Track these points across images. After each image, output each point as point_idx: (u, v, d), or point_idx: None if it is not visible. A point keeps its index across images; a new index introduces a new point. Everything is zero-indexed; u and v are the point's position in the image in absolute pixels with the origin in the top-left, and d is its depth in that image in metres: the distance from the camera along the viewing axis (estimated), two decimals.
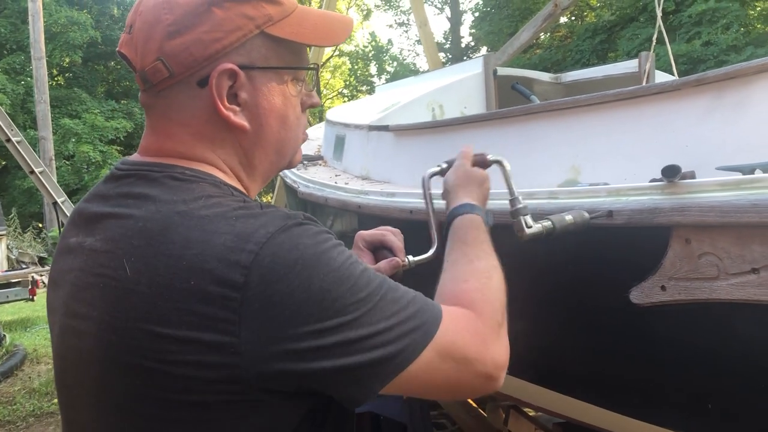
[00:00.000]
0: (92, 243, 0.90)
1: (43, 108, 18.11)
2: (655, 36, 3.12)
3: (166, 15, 0.90)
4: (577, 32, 22.54)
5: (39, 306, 9.59)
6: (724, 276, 1.15)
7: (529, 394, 2.03)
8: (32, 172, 8.92)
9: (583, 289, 1.46)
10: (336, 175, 3.48)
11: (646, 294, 1.29)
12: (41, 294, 9.70)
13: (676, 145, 1.56)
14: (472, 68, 3.97)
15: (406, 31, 38.29)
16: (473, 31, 30.93)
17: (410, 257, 1.27)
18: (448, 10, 34.32)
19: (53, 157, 18.05)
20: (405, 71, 33.71)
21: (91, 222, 0.93)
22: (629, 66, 3.91)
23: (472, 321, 0.96)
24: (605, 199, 1.33)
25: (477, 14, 30.27)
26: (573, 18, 24.52)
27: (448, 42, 33.52)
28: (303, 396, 0.86)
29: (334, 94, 36.31)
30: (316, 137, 5.15)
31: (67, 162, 23.17)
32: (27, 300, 9.22)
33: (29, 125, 22.20)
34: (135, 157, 1.00)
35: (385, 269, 1.23)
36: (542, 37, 23.22)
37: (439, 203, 1.32)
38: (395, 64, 37.03)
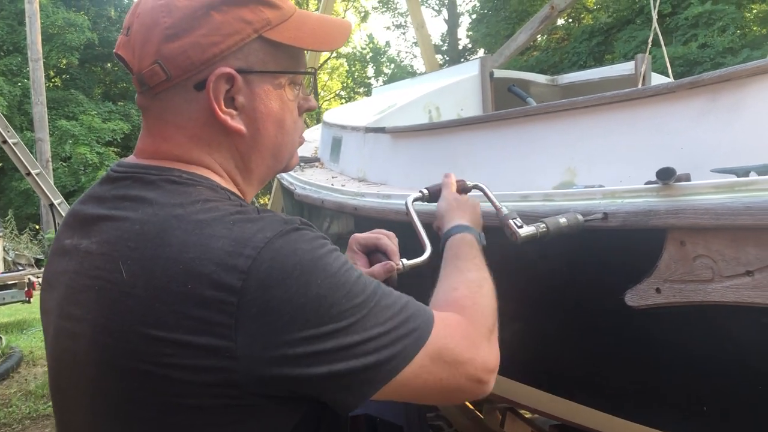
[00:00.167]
0: (88, 245, 0.90)
1: (39, 110, 18.07)
2: (650, 38, 3.13)
3: (165, 18, 0.90)
4: (574, 34, 22.57)
5: (35, 308, 9.55)
6: (718, 278, 1.16)
7: (526, 397, 2.03)
8: (29, 173, 8.91)
9: (578, 291, 1.46)
10: (333, 177, 3.47)
11: (641, 296, 1.29)
12: (38, 296, 9.69)
13: (672, 147, 1.56)
14: (469, 70, 3.97)
15: (404, 33, 38.42)
16: (470, 33, 30.99)
17: (404, 260, 1.28)
18: (445, 12, 34.36)
19: (50, 159, 18.00)
20: (402, 73, 33.73)
21: (87, 224, 0.93)
22: (625, 68, 3.91)
23: (463, 325, 0.97)
24: (600, 201, 1.33)
25: (474, 16, 30.34)
26: (570, 20, 24.57)
27: (446, 44, 33.56)
28: (298, 401, 0.86)
29: (332, 96, 36.31)
30: (313, 139, 5.15)
31: (64, 164, 23.12)
32: (23, 302, 9.19)
33: (26, 127, 22.17)
34: (131, 159, 0.99)
35: (379, 273, 1.23)
36: (539, 39, 23.23)
37: (423, 211, 1.40)
38: (392, 66, 37.05)
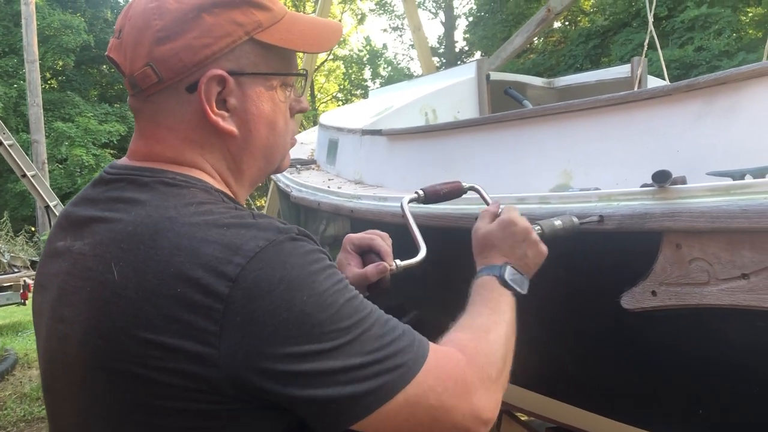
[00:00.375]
0: (80, 247, 0.89)
1: (35, 111, 18.01)
2: (646, 41, 3.13)
3: (156, 20, 0.90)
4: (571, 37, 22.62)
5: (30, 310, 9.50)
6: (714, 281, 1.16)
7: (522, 399, 2.03)
8: (24, 175, 8.90)
9: (573, 294, 1.46)
10: (329, 179, 3.47)
11: (637, 299, 1.29)
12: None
13: (667, 150, 1.56)
14: (466, 73, 3.98)
15: (401, 36, 38.37)
16: (467, 35, 31.04)
17: (398, 261, 1.28)
18: (442, 15, 34.40)
19: (46, 161, 17.93)
20: (399, 75, 33.73)
21: (79, 226, 0.92)
22: (622, 71, 3.92)
23: (459, 368, 0.93)
24: (596, 204, 1.33)
25: (471, 19, 30.37)
26: (566, 23, 24.62)
27: (442, 46, 33.58)
28: (281, 411, 0.85)
29: (329, 98, 36.33)
30: (309, 141, 5.15)
31: (60, 165, 23.07)
32: (18, 304, 9.16)
33: (22, 128, 22.11)
34: (124, 161, 0.99)
35: (372, 273, 1.23)
36: (535, 41, 23.27)
37: (418, 213, 1.35)
38: (389, 68, 37.09)
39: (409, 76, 30.55)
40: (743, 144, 1.43)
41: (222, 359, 0.77)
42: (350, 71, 37.32)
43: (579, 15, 24.19)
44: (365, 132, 3.25)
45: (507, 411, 2.74)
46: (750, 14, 18.78)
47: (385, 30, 47.77)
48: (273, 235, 0.84)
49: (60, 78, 27.18)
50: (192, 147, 0.95)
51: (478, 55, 28.05)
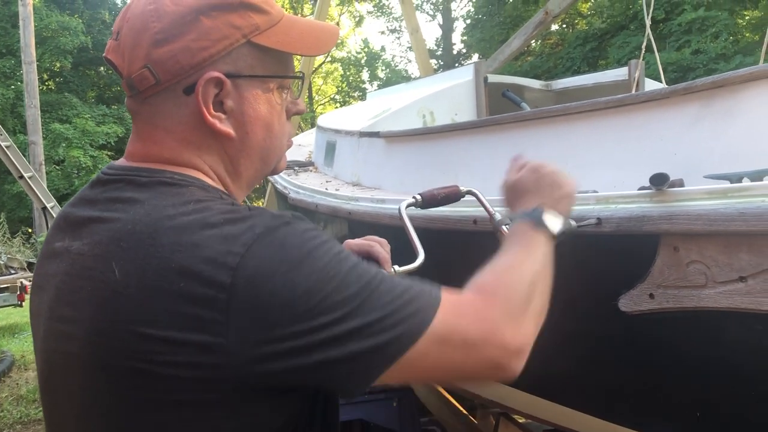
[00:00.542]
0: (79, 247, 0.90)
1: (33, 112, 17.99)
2: (644, 44, 3.14)
3: (154, 23, 0.91)
4: (568, 40, 22.65)
5: (27, 312, 9.42)
6: (711, 284, 1.16)
7: (519, 402, 2.03)
8: (21, 177, 8.89)
9: (571, 296, 1.46)
10: (327, 182, 3.47)
11: (635, 302, 1.29)
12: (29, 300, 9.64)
13: (665, 153, 1.57)
14: (463, 75, 3.99)
15: (398, 38, 38.38)
16: (465, 38, 31.05)
17: (396, 267, 1.28)
18: (440, 17, 34.45)
19: (43, 162, 17.91)
20: (397, 78, 33.75)
21: (78, 226, 0.93)
22: (619, 74, 3.93)
23: (479, 306, 0.92)
24: (594, 207, 1.33)
25: (468, 21, 30.39)
26: (564, 26, 24.66)
27: (440, 49, 33.63)
28: (290, 397, 0.86)
29: (326, 100, 36.33)
30: (307, 143, 5.15)
31: (57, 167, 23.04)
32: (15, 306, 9.13)
33: (19, 130, 22.08)
34: (121, 162, 1.00)
35: None
36: (533, 44, 23.32)
37: (416, 216, 1.34)
38: (387, 70, 37.10)
39: (407, 79, 30.56)
40: (741, 147, 1.43)
41: (231, 347, 0.78)
42: (348, 73, 37.34)
43: (576, 18, 24.24)
44: (363, 134, 3.26)
45: (504, 413, 2.75)
46: (747, 17, 18.84)
47: (382, 32, 47.98)
48: (268, 222, 0.85)
49: (57, 79, 27.15)
50: (189, 148, 0.96)
51: (475, 57, 28.09)
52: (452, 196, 1.46)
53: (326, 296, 0.81)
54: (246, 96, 0.97)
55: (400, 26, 36.39)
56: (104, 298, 0.83)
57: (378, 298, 0.84)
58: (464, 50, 31.99)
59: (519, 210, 1.17)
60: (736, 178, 1.26)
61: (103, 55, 0.99)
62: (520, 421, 2.78)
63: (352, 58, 37.17)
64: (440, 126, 3.16)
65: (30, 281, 9.29)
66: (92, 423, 0.88)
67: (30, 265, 13.95)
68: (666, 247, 1.21)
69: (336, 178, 3.58)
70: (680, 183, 1.23)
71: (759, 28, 17.57)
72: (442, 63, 31.13)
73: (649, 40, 3.00)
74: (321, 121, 4.53)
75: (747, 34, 18.32)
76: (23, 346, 7.70)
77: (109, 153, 24.81)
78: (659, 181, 1.20)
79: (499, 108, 3.63)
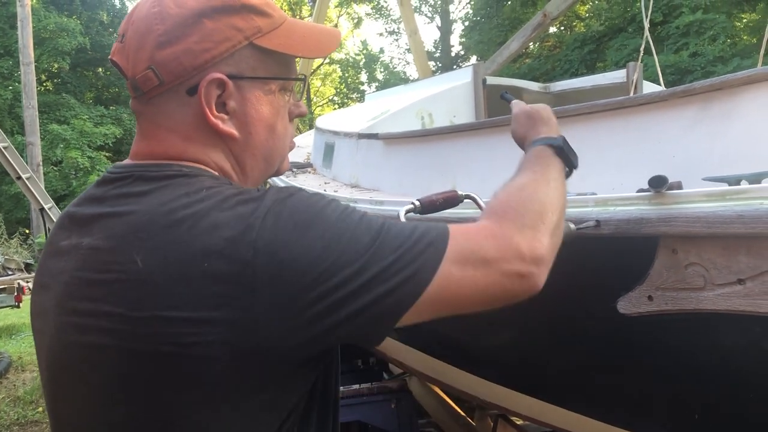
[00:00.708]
0: (91, 242, 0.91)
1: (31, 113, 18.00)
2: (642, 47, 3.14)
3: (158, 25, 0.93)
4: (566, 42, 22.68)
5: (25, 313, 9.49)
6: (710, 286, 1.16)
7: (517, 404, 2.03)
8: (19, 177, 8.87)
9: (570, 299, 1.46)
10: (325, 183, 3.48)
11: (634, 304, 1.29)
12: (27, 301, 9.60)
13: (663, 155, 1.57)
14: (462, 77, 3.99)
15: (397, 40, 38.39)
16: (463, 40, 31.07)
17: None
18: (438, 19, 34.48)
19: (41, 163, 17.92)
20: (395, 79, 33.77)
21: (86, 223, 0.94)
22: (617, 76, 3.94)
23: (490, 226, 0.95)
24: (593, 209, 1.33)
25: (467, 23, 30.41)
26: (562, 28, 24.69)
27: (438, 51, 33.66)
28: (311, 368, 0.91)
29: (325, 101, 36.34)
30: (305, 144, 5.15)
31: (54, 168, 23.03)
32: (13, 307, 9.11)
33: (17, 131, 22.06)
34: (127, 161, 1.02)
35: None
36: (531, 46, 23.33)
37: (413, 219, 1.36)
38: (385, 72, 37.12)
39: (405, 80, 30.55)
40: (739, 149, 1.43)
41: (261, 321, 0.81)
42: (346, 75, 37.36)
43: (575, 20, 24.28)
44: (362, 136, 3.26)
45: (503, 415, 2.75)
46: (744, 20, 18.88)
47: (381, 34, 47.85)
48: (276, 195, 0.89)
49: (55, 80, 27.14)
50: (194, 146, 0.98)
51: (473, 59, 28.09)
52: (451, 200, 1.47)
53: (343, 250, 0.84)
54: (248, 97, 0.99)
55: (398, 28, 36.42)
56: (128, 287, 0.84)
57: (390, 241, 0.88)
58: (462, 52, 32.02)
59: (537, 136, 1.23)
60: (735, 180, 1.26)
61: (109, 57, 1.02)
62: (518, 422, 2.78)
63: (351, 59, 37.20)
64: (439, 128, 3.17)
65: (27, 282, 9.28)
66: (117, 412, 0.88)
67: (28, 266, 13.94)
68: (664, 250, 1.21)
69: (334, 179, 3.58)
70: (678, 185, 1.23)
71: (756, 30, 17.61)
72: (440, 65, 31.15)
73: (647, 42, 3.01)
74: (319, 122, 4.53)
75: (745, 37, 18.36)
76: (20, 348, 7.68)
77: (107, 154, 24.79)
78: (658, 183, 1.20)
79: (498, 110, 3.64)
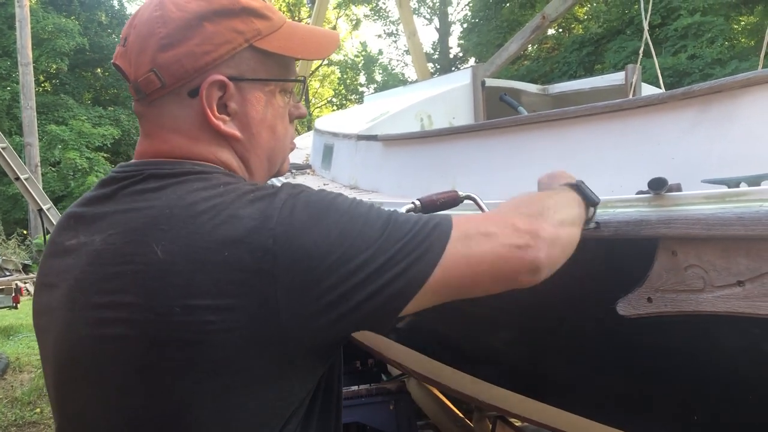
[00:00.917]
0: (105, 238, 0.92)
1: (29, 114, 18.01)
2: (641, 49, 3.15)
3: (160, 28, 0.95)
4: (565, 44, 22.71)
5: (23, 314, 9.48)
6: (710, 288, 1.16)
7: (516, 405, 2.03)
8: (17, 178, 8.86)
9: (569, 300, 1.47)
10: (324, 184, 3.47)
11: (633, 306, 1.30)
12: (25, 302, 9.60)
13: (663, 157, 1.57)
14: (461, 79, 3.99)
15: (395, 41, 38.47)
16: (461, 42, 31.12)
17: None
18: (436, 21, 34.52)
19: (39, 164, 17.92)
20: (394, 81, 33.80)
21: (95, 222, 0.96)
22: (616, 78, 3.94)
23: (490, 213, 1.02)
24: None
25: (465, 25, 30.45)
26: (560, 30, 24.73)
27: (437, 52, 33.70)
28: (327, 356, 0.95)
29: (323, 102, 36.35)
30: (304, 146, 5.15)
31: (53, 168, 23.01)
32: (10, 308, 9.11)
33: (15, 131, 22.06)
34: (133, 161, 1.03)
35: None
36: (530, 48, 23.36)
37: None
38: (384, 73, 37.14)
39: (404, 82, 30.59)
40: (738, 152, 1.44)
41: (281, 305, 0.84)
42: (345, 76, 37.38)
43: (573, 22, 24.31)
44: (361, 137, 3.26)
45: (501, 416, 2.75)
46: (742, 23, 18.93)
47: (379, 36, 47.96)
48: (290, 190, 0.92)
49: (54, 81, 27.12)
50: (200, 145, 1.00)
51: (472, 61, 28.13)
52: (451, 201, 1.47)
53: (357, 236, 0.88)
54: (249, 98, 1.01)
55: (397, 30, 36.47)
56: (150, 278, 0.86)
57: (400, 227, 0.92)
58: (461, 54, 32.06)
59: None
60: (734, 183, 1.26)
61: (112, 61, 1.04)
62: (517, 424, 2.78)
63: (350, 61, 37.22)
64: (438, 129, 3.17)
65: (25, 283, 9.27)
66: (134, 403, 0.89)
67: (25, 267, 13.94)
68: (664, 251, 1.22)
69: (333, 181, 3.58)
70: (678, 188, 1.23)
71: (754, 33, 17.66)
72: (438, 67, 31.19)
73: (646, 44, 3.01)
74: (318, 123, 4.53)
75: (743, 40, 18.40)
76: (18, 349, 7.66)
77: (105, 155, 24.79)
78: (657, 185, 1.20)
79: (497, 112, 3.64)
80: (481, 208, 1.46)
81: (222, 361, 0.84)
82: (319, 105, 35.60)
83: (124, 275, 0.88)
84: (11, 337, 8.45)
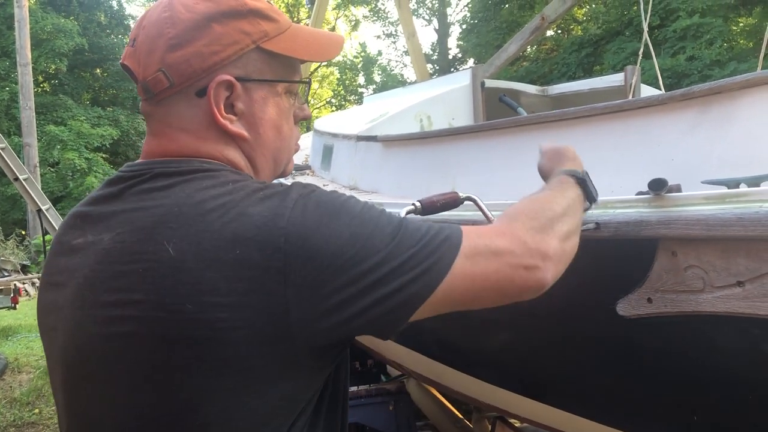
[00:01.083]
0: (114, 237, 0.93)
1: (28, 114, 17.99)
2: (641, 50, 3.15)
3: (169, 29, 0.97)
4: (564, 45, 22.71)
5: (21, 314, 9.47)
6: (709, 289, 1.16)
7: (515, 406, 2.03)
8: (16, 179, 8.84)
9: (569, 301, 1.47)
10: (323, 185, 3.46)
11: (633, 306, 1.30)
12: (23, 302, 9.59)
13: (662, 158, 1.58)
14: (460, 80, 4.00)
15: (394, 42, 38.43)
16: (461, 43, 31.11)
17: None
18: (435, 22, 34.51)
19: (38, 164, 17.91)
20: (393, 82, 33.80)
21: (103, 221, 0.96)
22: (615, 79, 3.95)
23: (500, 226, 1.00)
24: (592, 212, 1.34)
25: (464, 26, 30.45)
26: (559, 31, 24.74)
27: (436, 53, 33.69)
28: (330, 358, 0.94)
29: (322, 103, 36.34)
30: (304, 147, 5.15)
31: (51, 169, 22.97)
32: (9, 308, 9.09)
33: (14, 132, 22.03)
34: (140, 161, 1.04)
35: None
36: (529, 49, 23.37)
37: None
38: (383, 74, 37.13)
39: (403, 83, 30.60)
40: (738, 153, 1.44)
41: (290, 303, 0.84)
42: (344, 77, 37.37)
43: (572, 23, 24.32)
44: (360, 138, 3.26)
45: (501, 417, 2.75)
46: (741, 24, 18.94)
47: (378, 36, 47.88)
48: (301, 190, 0.93)
49: (53, 81, 27.08)
50: (208, 143, 1.01)
51: (471, 62, 28.12)
52: (452, 202, 1.47)
53: (368, 239, 0.88)
54: (255, 99, 1.03)
55: (396, 31, 36.45)
56: (161, 275, 0.86)
57: (410, 235, 0.92)
58: (460, 55, 32.04)
59: (561, 168, 1.27)
60: (734, 183, 1.26)
61: (120, 61, 1.06)
62: (516, 425, 2.78)
63: (349, 62, 37.21)
64: (437, 130, 3.17)
65: (24, 284, 9.26)
66: (143, 401, 0.89)
67: (24, 268, 13.91)
68: (664, 252, 1.22)
69: (333, 181, 3.59)
70: (678, 188, 1.23)
71: (753, 34, 17.67)
72: (437, 67, 31.18)
73: (646, 45, 3.02)
74: (318, 124, 4.54)
75: (741, 41, 18.42)
76: (16, 349, 7.65)
77: (104, 155, 24.75)
78: (657, 186, 1.21)
79: (496, 113, 3.65)
80: (481, 209, 1.46)
81: (231, 358, 0.85)
82: (318, 106, 35.58)
83: (134, 273, 0.88)
84: (10, 338, 8.43)
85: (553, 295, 1.51)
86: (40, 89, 25.17)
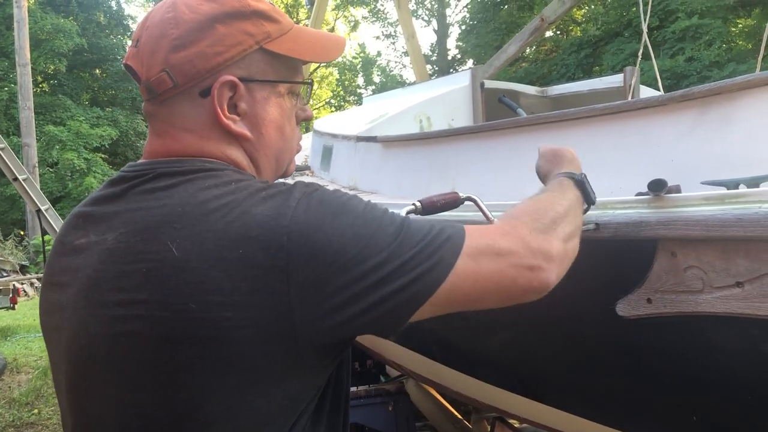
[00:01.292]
0: (117, 236, 0.93)
1: (27, 115, 17.98)
2: (641, 51, 3.16)
3: (172, 30, 0.97)
4: (563, 46, 22.74)
5: (20, 315, 9.46)
6: (708, 289, 1.17)
7: (515, 406, 2.03)
8: (15, 179, 8.82)
9: (569, 301, 1.47)
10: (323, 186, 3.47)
11: (633, 306, 1.30)
12: (22, 303, 9.58)
13: (662, 159, 1.58)
14: (460, 81, 4.00)
15: (393, 43, 38.43)
16: (460, 43, 31.13)
17: None
18: (435, 23, 34.51)
19: (37, 165, 17.89)
20: (392, 83, 33.81)
21: (106, 220, 0.96)
22: (614, 80, 3.95)
23: (503, 227, 1.00)
24: (592, 212, 1.34)
25: (464, 27, 30.46)
26: (559, 32, 24.75)
27: (435, 54, 33.68)
28: (332, 358, 0.94)
29: (321, 104, 36.33)
30: (303, 147, 5.15)
31: (50, 169, 22.96)
32: (8, 309, 9.08)
33: (13, 132, 22.00)
34: (142, 160, 1.04)
35: None
36: (528, 50, 23.38)
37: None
38: (382, 75, 37.14)
39: (402, 84, 30.60)
40: (737, 154, 1.44)
41: (293, 302, 0.84)
42: (343, 78, 37.38)
43: (571, 24, 24.34)
44: (360, 138, 3.26)
45: (500, 417, 2.75)
46: (740, 25, 18.96)
47: (377, 37, 47.85)
48: (303, 189, 0.93)
49: (52, 82, 27.06)
50: (211, 143, 1.01)
51: (470, 63, 28.12)
52: (452, 202, 1.48)
53: (371, 238, 0.89)
54: (258, 99, 1.03)
55: (395, 31, 36.44)
56: (165, 275, 0.86)
57: (413, 234, 0.92)
58: (459, 56, 32.06)
59: (559, 170, 1.27)
60: (733, 184, 1.27)
61: (123, 62, 1.05)
62: (516, 425, 2.79)
63: (348, 62, 37.21)
64: (437, 131, 3.17)
65: (22, 284, 9.24)
66: (147, 400, 0.89)
67: (23, 268, 13.91)
68: (663, 253, 1.22)
69: (333, 182, 3.59)
70: (677, 189, 1.24)
71: (752, 36, 17.70)
72: (437, 68, 31.18)
73: (645, 47, 3.02)
74: (317, 125, 4.54)
75: (740, 42, 18.44)
76: (15, 350, 7.64)
77: (103, 156, 24.74)
78: (657, 187, 1.21)
79: (496, 114, 3.65)
80: (481, 210, 1.46)
81: (235, 358, 0.85)
82: (317, 106, 35.58)
83: (138, 273, 0.88)
84: (8, 338, 8.42)
85: (553, 295, 1.51)
86: (39, 89, 25.15)
